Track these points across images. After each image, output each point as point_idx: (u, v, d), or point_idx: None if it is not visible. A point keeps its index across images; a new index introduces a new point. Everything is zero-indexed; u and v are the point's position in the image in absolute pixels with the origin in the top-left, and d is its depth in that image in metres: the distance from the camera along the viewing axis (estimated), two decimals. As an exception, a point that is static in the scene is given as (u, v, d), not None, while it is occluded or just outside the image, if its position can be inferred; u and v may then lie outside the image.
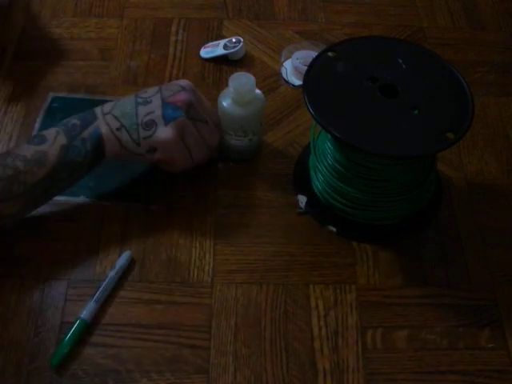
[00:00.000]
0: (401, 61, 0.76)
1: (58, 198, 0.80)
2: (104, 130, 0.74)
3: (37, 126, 0.88)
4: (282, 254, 0.77)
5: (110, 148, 0.74)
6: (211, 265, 0.76)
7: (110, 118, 0.74)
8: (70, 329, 0.69)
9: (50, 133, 0.73)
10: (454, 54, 1.01)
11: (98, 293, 0.71)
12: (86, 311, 0.70)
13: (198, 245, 0.78)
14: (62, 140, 0.72)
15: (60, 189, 0.75)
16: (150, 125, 0.74)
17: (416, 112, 0.72)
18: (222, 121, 0.81)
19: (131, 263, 0.75)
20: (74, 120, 0.74)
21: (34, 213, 0.78)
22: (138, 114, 0.74)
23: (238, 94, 0.78)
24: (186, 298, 0.73)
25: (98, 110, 0.76)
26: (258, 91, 0.80)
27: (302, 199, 0.81)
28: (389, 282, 0.76)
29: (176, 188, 0.83)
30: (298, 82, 0.94)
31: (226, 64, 0.97)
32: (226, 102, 0.80)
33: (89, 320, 0.70)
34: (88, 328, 0.70)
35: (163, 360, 0.69)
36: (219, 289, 0.74)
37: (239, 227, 0.80)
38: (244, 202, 0.82)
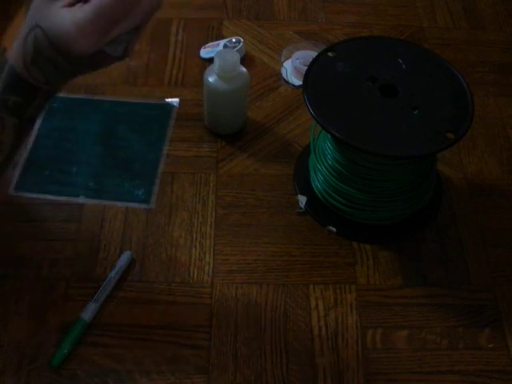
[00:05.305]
0: (401, 61, 0.76)
1: (58, 198, 0.80)
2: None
3: (36, 126, 0.88)
4: (282, 254, 0.77)
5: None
6: (211, 265, 0.76)
7: None
8: (70, 329, 0.69)
9: None
10: (453, 54, 1.01)
11: (97, 293, 0.71)
12: (86, 311, 0.70)
13: (197, 245, 0.78)
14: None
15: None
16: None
17: (416, 112, 0.72)
18: (209, 96, 0.85)
19: (131, 263, 0.75)
20: None
21: (35, 213, 0.79)
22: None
23: (222, 70, 0.81)
24: (186, 298, 0.73)
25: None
26: (242, 68, 0.83)
27: (302, 199, 0.81)
28: (389, 282, 0.76)
29: (176, 188, 0.83)
30: (298, 82, 0.94)
31: (226, 64, 0.97)
32: (211, 78, 0.82)
33: (89, 320, 0.70)
34: (88, 328, 0.70)
35: (163, 360, 0.69)
36: (219, 289, 0.74)
37: (239, 227, 0.79)
38: (244, 201, 0.82)
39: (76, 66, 0.56)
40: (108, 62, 0.57)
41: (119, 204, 0.81)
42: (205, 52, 0.98)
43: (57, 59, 0.54)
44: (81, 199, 0.81)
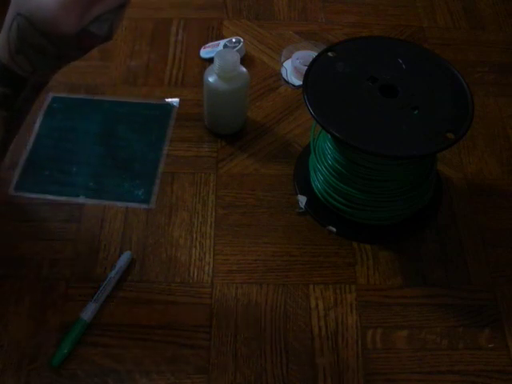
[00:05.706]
0: (401, 61, 0.76)
1: (58, 198, 0.80)
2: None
3: (36, 126, 0.88)
4: (282, 254, 0.77)
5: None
6: (211, 265, 0.76)
7: None
8: (70, 329, 0.69)
9: None
10: (453, 53, 1.01)
11: (97, 293, 0.71)
12: (86, 311, 0.70)
13: (198, 245, 0.78)
14: None
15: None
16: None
17: (416, 112, 0.72)
18: (209, 96, 0.85)
19: (131, 263, 0.75)
20: None
21: (34, 213, 0.79)
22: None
23: (222, 70, 0.81)
24: (186, 298, 0.73)
25: None
26: (242, 68, 0.83)
27: (302, 199, 0.81)
28: (389, 282, 0.76)
29: (176, 188, 0.83)
30: (298, 82, 0.94)
31: (226, 64, 0.97)
32: (211, 78, 0.82)
33: (89, 320, 0.70)
34: (88, 328, 0.70)
35: (163, 360, 0.69)
36: (219, 289, 0.74)
37: (239, 227, 0.79)
38: (244, 201, 0.82)
39: (62, 47, 0.55)
40: (94, 42, 0.58)
41: (119, 204, 0.81)
42: (205, 52, 0.98)
43: (42, 43, 0.54)
44: (81, 199, 0.81)
